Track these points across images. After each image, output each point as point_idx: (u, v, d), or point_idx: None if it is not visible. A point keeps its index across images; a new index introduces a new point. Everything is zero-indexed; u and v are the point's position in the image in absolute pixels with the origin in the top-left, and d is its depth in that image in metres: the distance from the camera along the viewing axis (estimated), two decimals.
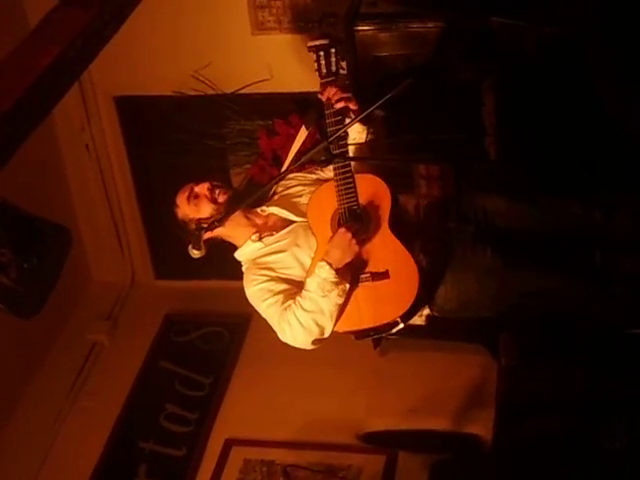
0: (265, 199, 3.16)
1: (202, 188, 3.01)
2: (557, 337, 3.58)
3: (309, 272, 2.83)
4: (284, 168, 3.15)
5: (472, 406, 4.41)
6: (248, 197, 2.95)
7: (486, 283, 2.94)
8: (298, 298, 2.80)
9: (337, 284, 2.76)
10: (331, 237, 2.80)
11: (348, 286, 2.81)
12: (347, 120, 2.88)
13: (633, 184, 3.25)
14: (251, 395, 4.82)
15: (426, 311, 3.00)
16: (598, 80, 3.43)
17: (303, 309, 2.78)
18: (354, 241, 2.77)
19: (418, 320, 3.00)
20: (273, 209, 3.06)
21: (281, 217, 3.03)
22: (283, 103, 4.69)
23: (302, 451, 4.46)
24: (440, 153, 3.84)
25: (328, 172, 3.02)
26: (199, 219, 2.97)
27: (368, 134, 2.97)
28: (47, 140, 5.20)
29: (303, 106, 4.24)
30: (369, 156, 3.03)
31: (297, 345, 2.85)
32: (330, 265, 2.76)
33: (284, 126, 4.56)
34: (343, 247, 2.77)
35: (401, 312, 2.84)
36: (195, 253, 2.86)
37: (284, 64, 4.70)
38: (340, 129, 2.83)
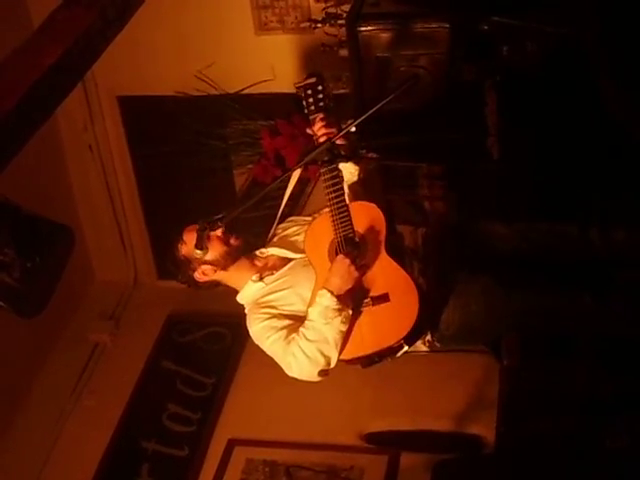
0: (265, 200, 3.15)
1: (216, 231, 2.95)
2: (559, 338, 3.58)
3: (310, 302, 2.83)
4: (280, 212, 3.16)
5: (474, 407, 4.41)
6: (250, 199, 2.95)
7: (487, 305, 2.93)
8: (301, 329, 2.78)
9: (340, 310, 2.75)
10: (331, 266, 2.79)
11: (351, 312, 2.80)
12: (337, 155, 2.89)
13: (630, 194, 3.26)
14: (253, 395, 4.82)
15: (428, 337, 3.00)
16: (599, 80, 3.43)
17: (307, 339, 2.76)
18: (353, 267, 2.76)
19: (422, 346, 3.00)
20: (272, 250, 3.06)
21: (280, 256, 3.03)
22: (286, 103, 4.69)
23: (305, 451, 4.47)
24: (442, 153, 3.84)
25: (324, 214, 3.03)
26: (204, 261, 2.94)
27: (360, 174, 2.98)
28: (50, 140, 5.20)
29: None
30: (370, 157, 3.04)
31: (304, 378, 2.83)
32: (331, 292, 2.75)
33: (287, 126, 4.57)
34: (342, 274, 2.76)
35: (403, 334, 2.83)
36: (198, 253, 2.86)
37: (287, 64, 4.71)
38: (342, 130, 2.83)
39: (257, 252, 3.08)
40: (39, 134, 2.35)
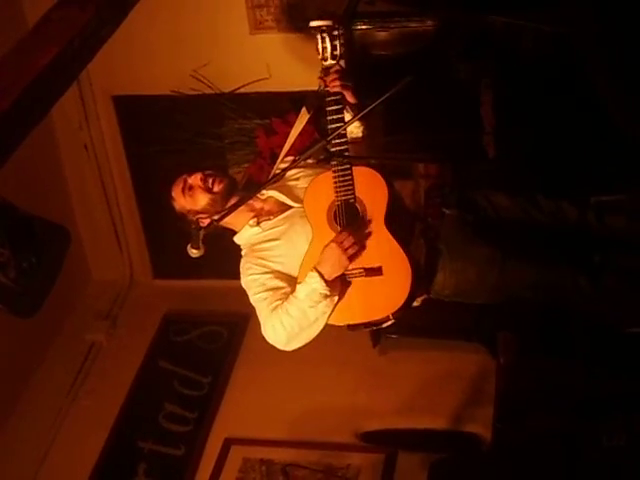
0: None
1: (195, 179, 3.02)
2: (556, 335, 3.58)
3: (301, 272, 2.83)
4: (283, 152, 3.15)
5: (471, 405, 4.42)
6: (245, 191, 2.95)
7: (485, 273, 2.94)
8: (286, 303, 2.80)
9: (326, 297, 2.77)
10: (323, 248, 2.78)
11: (337, 299, 2.81)
12: (346, 114, 2.86)
13: (627, 185, 3.26)
14: (250, 394, 4.82)
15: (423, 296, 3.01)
16: (597, 80, 3.43)
17: (289, 314, 2.79)
18: (344, 256, 2.76)
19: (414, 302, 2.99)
20: (272, 192, 3.06)
21: (279, 201, 3.03)
22: (281, 102, 4.69)
23: (301, 450, 4.46)
24: (438, 152, 3.84)
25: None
26: (197, 211, 2.98)
27: (365, 129, 2.97)
28: (45, 139, 5.19)
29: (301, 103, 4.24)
30: (367, 155, 3.03)
31: (277, 346, 2.86)
32: (321, 276, 2.76)
33: (282, 125, 4.56)
34: (333, 262, 2.77)
35: (393, 310, 2.84)
36: (194, 252, 2.86)
37: (282, 63, 4.70)
38: (338, 128, 2.82)
39: (257, 194, 3.09)
40: (34, 134, 2.34)
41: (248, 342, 5.03)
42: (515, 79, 3.66)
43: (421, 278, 2.86)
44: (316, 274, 2.77)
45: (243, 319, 4.93)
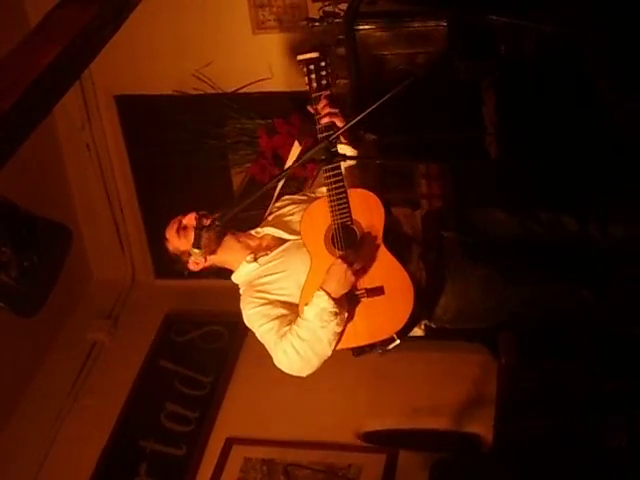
0: (265, 201, 3.15)
1: (189, 219, 2.98)
2: (557, 335, 3.58)
3: (304, 296, 2.80)
4: (278, 189, 3.14)
5: (472, 405, 4.42)
6: (248, 198, 2.94)
7: (486, 293, 2.92)
8: (295, 327, 2.76)
9: (336, 314, 2.73)
10: (329, 267, 2.76)
11: (347, 315, 2.78)
12: (339, 145, 2.85)
13: (628, 192, 3.26)
14: (251, 394, 4.82)
15: (424, 321, 2.99)
16: (598, 79, 3.43)
17: (300, 338, 2.75)
18: (350, 272, 2.73)
19: (417, 331, 2.98)
20: (267, 229, 3.04)
21: (275, 237, 3.01)
22: (284, 102, 4.69)
23: (303, 450, 4.46)
24: (440, 152, 3.84)
25: (320, 193, 3.00)
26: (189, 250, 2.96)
27: (359, 152, 2.96)
28: (48, 139, 5.20)
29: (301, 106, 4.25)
30: (369, 156, 3.03)
31: (292, 373, 2.82)
32: (328, 295, 2.72)
33: (284, 125, 4.57)
34: (339, 278, 2.73)
35: (397, 328, 2.81)
36: (196, 252, 2.85)
37: (285, 63, 4.70)
38: (339, 129, 2.82)
39: (252, 231, 3.07)
40: (36, 133, 2.35)
41: (249, 342, 5.02)
42: (517, 79, 3.66)
43: (423, 298, 2.83)
44: (323, 293, 2.72)
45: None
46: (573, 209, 3.07)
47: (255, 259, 2.97)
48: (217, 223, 2.88)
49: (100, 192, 5.54)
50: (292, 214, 3.05)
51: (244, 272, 2.98)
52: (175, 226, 3.02)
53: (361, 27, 3.78)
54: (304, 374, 2.83)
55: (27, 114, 2.27)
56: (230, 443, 4.61)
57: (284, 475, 4.33)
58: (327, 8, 4.32)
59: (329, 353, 2.80)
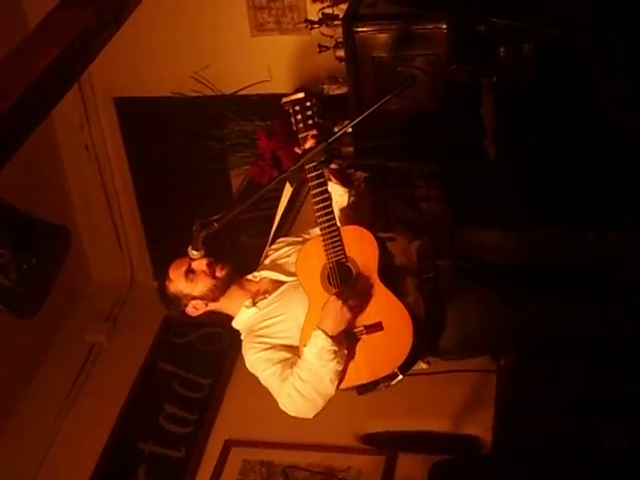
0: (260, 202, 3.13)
1: (200, 264, 2.93)
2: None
3: (303, 337, 2.79)
4: (272, 231, 3.14)
5: (471, 407, 4.41)
6: (247, 201, 2.93)
7: (487, 317, 2.91)
8: (296, 369, 2.76)
9: (335, 352, 2.72)
10: (323, 304, 2.75)
11: (346, 352, 2.77)
12: (330, 183, 2.85)
13: (626, 199, 3.26)
14: (250, 396, 4.76)
15: (428, 357, 2.98)
16: (597, 81, 3.44)
17: (302, 380, 2.74)
18: (345, 308, 2.72)
19: (422, 364, 2.98)
20: (264, 273, 3.04)
21: (272, 279, 3.00)
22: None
23: (301, 452, 4.46)
24: (439, 154, 3.84)
25: (314, 234, 3.00)
26: (193, 296, 2.94)
27: (350, 197, 2.96)
28: (46, 140, 5.20)
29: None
30: (368, 161, 3.04)
31: (299, 415, 2.82)
32: (326, 334, 2.71)
33: (283, 127, 4.56)
34: (335, 315, 2.72)
35: (398, 363, 2.81)
36: (194, 254, 2.84)
37: (283, 65, 4.71)
38: (340, 130, 2.82)
39: (249, 276, 3.06)
40: (35, 135, 2.35)
41: None
42: (516, 81, 3.66)
43: (423, 330, 2.82)
44: (320, 332, 2.71)
45: None
46: (571, 217, 3.08)
47: (254, 303, 2.96)
48: (215, 225, 2.88)
49: (99, 194, 5.54)
50: (288, 255, 3.04)
51: (244, 317, 2.98)
52: (183, 269, 2.95)
53: (360, 29, 3.78)
54: (310, 415, 2.83)
55: (26, 116, 2.27)
56: (229, 445, 4.61)
57: (283, 477, 4.33)
58: (326, 10, 4.33)
59: (332, 392, 2.80)
